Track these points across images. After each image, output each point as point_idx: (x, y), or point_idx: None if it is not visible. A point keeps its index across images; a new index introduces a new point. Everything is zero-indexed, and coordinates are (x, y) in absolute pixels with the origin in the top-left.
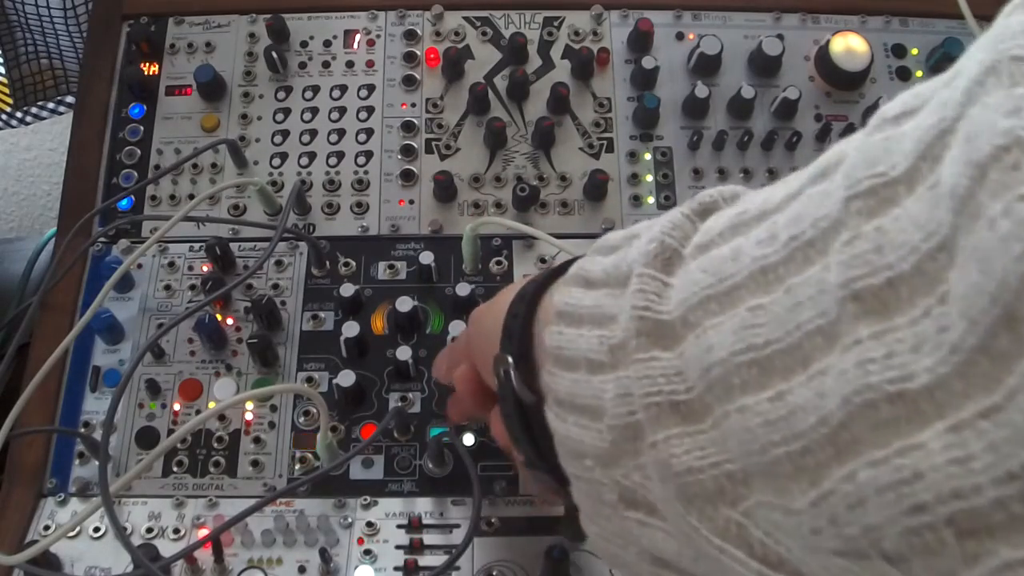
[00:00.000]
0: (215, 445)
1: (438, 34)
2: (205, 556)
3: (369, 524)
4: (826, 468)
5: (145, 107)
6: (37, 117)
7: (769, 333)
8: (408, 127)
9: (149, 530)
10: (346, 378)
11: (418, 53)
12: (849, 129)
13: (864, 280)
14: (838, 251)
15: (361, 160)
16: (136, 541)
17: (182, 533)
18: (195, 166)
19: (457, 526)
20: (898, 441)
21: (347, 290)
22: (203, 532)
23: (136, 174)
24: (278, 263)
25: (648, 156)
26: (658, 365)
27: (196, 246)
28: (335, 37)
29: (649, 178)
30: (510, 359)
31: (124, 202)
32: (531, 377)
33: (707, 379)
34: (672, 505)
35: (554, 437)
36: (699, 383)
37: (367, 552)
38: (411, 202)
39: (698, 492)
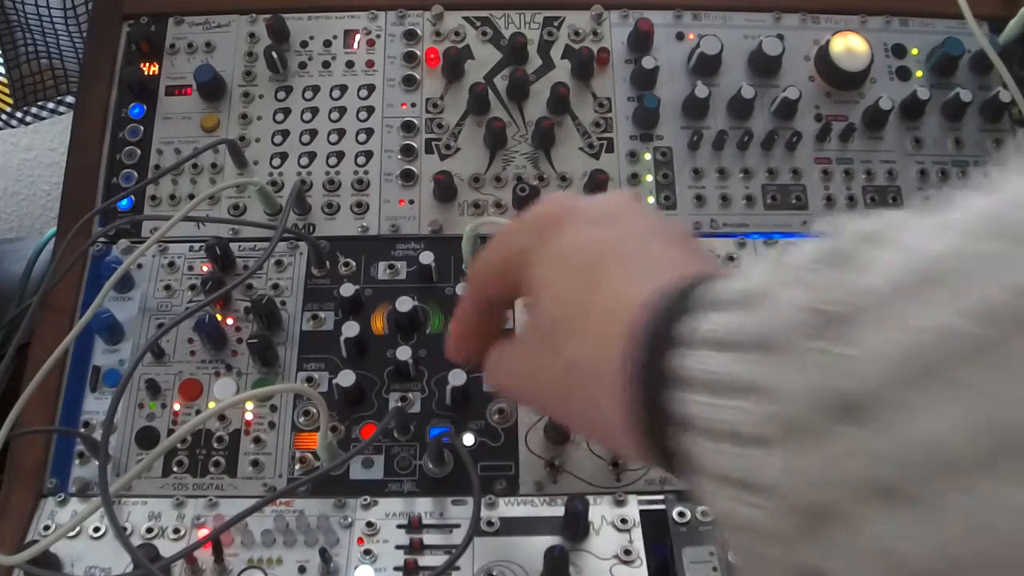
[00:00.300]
0: (215, 445)
1: (438, 34)
2: (205, 556)
3: (369, 524)
4: None
5: (145, 107)
6: (37, 117)
7: (1005, 418)
8: (408, 127)
9: (149, 530)
10: (346, 378)
11: (418, 53)
12: (849, 129)
13: None
14: None
15: (361, 160)
16: (136, 541)
17: (182, 533)
18: (195, 166)
19: (457, 526)
20: None
21: (347, 290)
22: (203, 532)
23: (136, 174)
24: (278, 263)
25: (648, 156)
26: (857, 445)
27: (196, 246)
28: (335, 37)
29: (649, 178)
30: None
31: (124, 202)
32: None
33: (928, 463)
34: None
35: (709, 508)
36: (916, 467)
37: (367, 552)
38: (411, 202)
39: None
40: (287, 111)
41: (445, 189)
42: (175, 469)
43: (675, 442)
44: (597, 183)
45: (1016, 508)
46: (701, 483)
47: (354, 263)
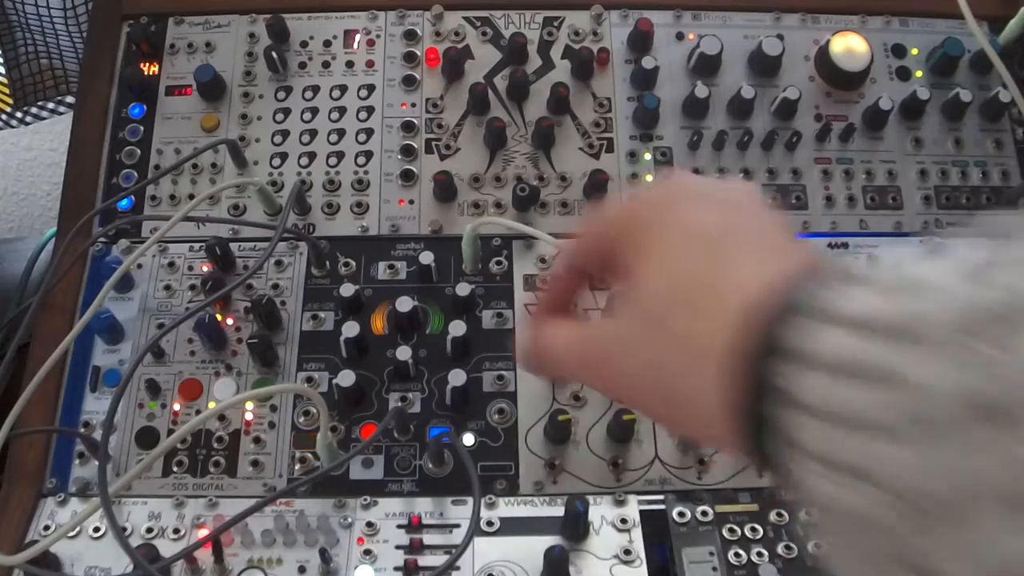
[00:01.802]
0: (215, 445)
1: (438, 34)
2: (205, 556)
3: (369, 524)
4: None
5: (145, 107)
6: (37, 117)
7: None
8: (408, 127)
9: (149, 530)
10: (346, 378)
11: (418, 53)
12: (849, 129)
13: None
14: None
15: (361, 160)
16: (136, 541)
17: (182, 533)
18: (195, 166)
19: (457, 526)
20: None
21: (347, 290)
22: (203, 532)
23: (136, 174)
24: (278, 263)
25: (648, 156)
26: (1004, 452)
27: (196, 246)
28: (335, 37)
29: (649, 178)
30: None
31: (124, 202)
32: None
33: None
34: None
35: (806, 492)
36: None
37: (367, 552)
38: (411, 202)
39: None
40: (287, 111)
41: (445, 189)
42: (175, 469)
43: (781, 422)
44: (597, 183)
45: None
46: (806, 465)
47: (354, 263)
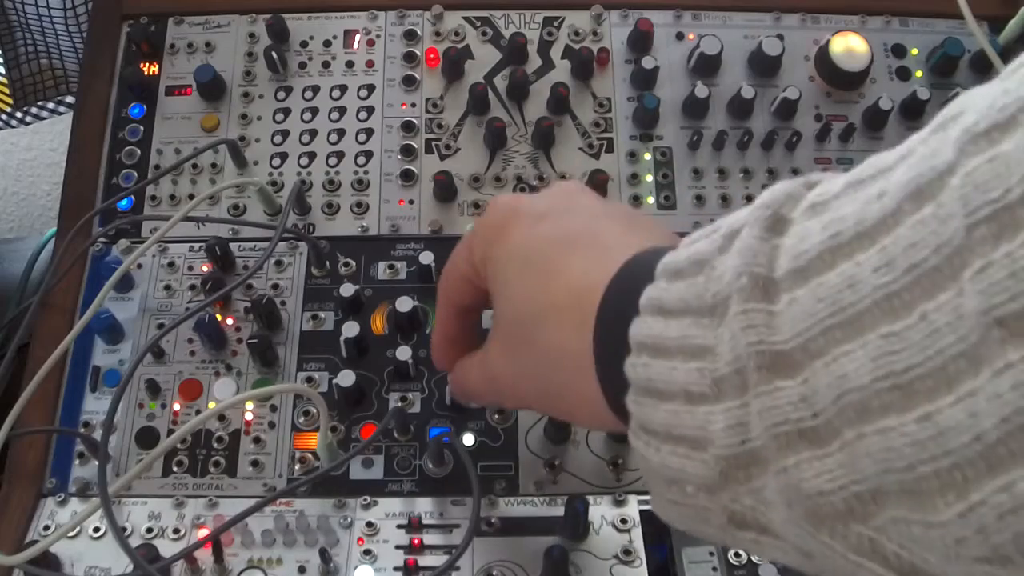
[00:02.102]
0: (215, 445)
1: (438, 34)
2: (205, 556)
3: (369, 524)
4: (976, 482)
5: (145, 107)
6: (37, 117)
7: (909, 359)
8: (408, 127)
9: (149, 530)
10: (346, 378)
11: (418, 53)
12: (849, 129)
13: (1005, 306)
14: (972, 279)
15: (361, 160)
16: (136, 541)
17: (182, 533)
18: (195, 166)
19: (457, 526)
20: None
21: (347, 290)
22: (203, 532)
23: (136, 174)
24: (278, 263)
25: (648, 156)
26: (783, 395)
27: (196, 246)
28: (335, 37)
29: (649, 178)
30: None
31: (124, 202)
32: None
33: (839, 404)
34: (796, 526)
35: (641, 463)
36: (829, 408)
37: (367, 552)
38: (411, 202)
39: (828, 513)
40: (287, 111)
41: (445, 189)
42: (175, 469)
43: (628, 405)
44: (597, 183)
45: (913, 441)
46: (644, 440)
47: (354, 263)
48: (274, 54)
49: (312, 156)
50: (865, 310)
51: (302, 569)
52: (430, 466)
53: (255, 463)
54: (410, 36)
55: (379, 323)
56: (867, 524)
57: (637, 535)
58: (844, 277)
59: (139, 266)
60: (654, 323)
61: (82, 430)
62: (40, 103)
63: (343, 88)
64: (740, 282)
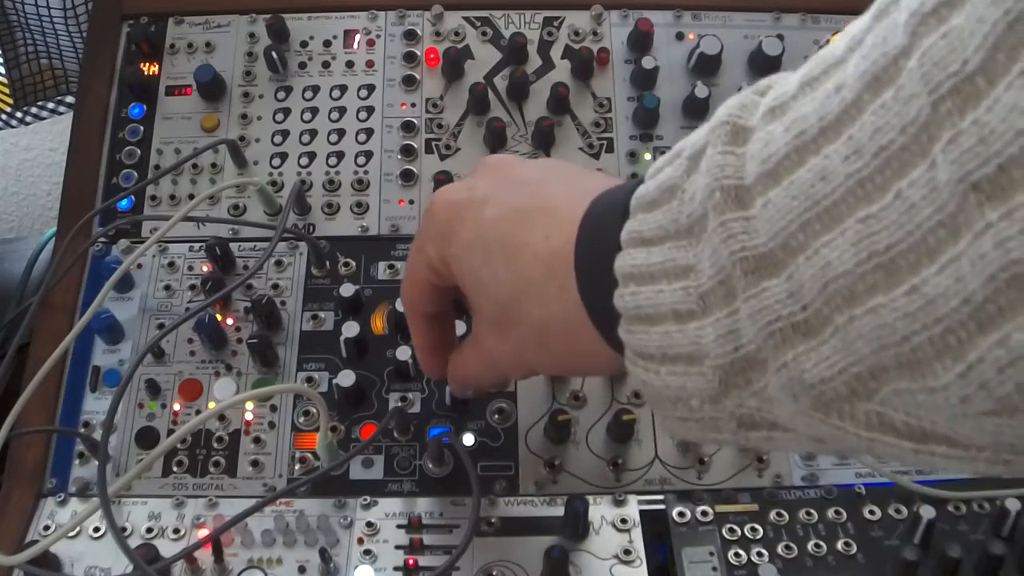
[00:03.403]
0: (215, 445)
1: (438, 34)
2: (205, 556)
3: (369, 524)
4: (971, 342)
5: (145, 107)
6: (37, 117)
7: (889, 237)
8: (408, 127)
9: (149, 530)
10: (346, 378)
11: (418, 53)
12: None
13: (979, 171)
14: (943, 151)
15: (361, 160)
16: (136, 541)
17: (182, 533)
18: (195, 166)
19: (457, 526)
20: None
21: (347, 290)
22: (203, 532)
23: (136, 174)
24: (278, 263)
25: (648, 156)
26: (770, 294)
27: (196, 246)
28: (335, 37)
29: None
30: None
31: (124, 202)
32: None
33: (826, 293)
34: (805, 416)
35: (644, 389)
36: (817, 298)
37: (367, 552)
38: (411, 202)
39: (833, 397)
40: (287, 111)
41: None
42: (175, 469)
43: (623, 337)
44: None
45: (904, 315)
46: (642, 366)
47: (354, 263)
48: (274, 54)
49: (312, 156)
50: (840, 199)
51: (302, 569)
52: (430, 466)
53: (255, 463)
54: (410, 36)
55: (379, 323)
56: (872, 400)
57: (637, 535)
58: (815, 171)
59: (139, 266)
60: (637, 254)
61: (82, 430)
62: (40, 103)
63: (343, 88)
64: (714, 198)
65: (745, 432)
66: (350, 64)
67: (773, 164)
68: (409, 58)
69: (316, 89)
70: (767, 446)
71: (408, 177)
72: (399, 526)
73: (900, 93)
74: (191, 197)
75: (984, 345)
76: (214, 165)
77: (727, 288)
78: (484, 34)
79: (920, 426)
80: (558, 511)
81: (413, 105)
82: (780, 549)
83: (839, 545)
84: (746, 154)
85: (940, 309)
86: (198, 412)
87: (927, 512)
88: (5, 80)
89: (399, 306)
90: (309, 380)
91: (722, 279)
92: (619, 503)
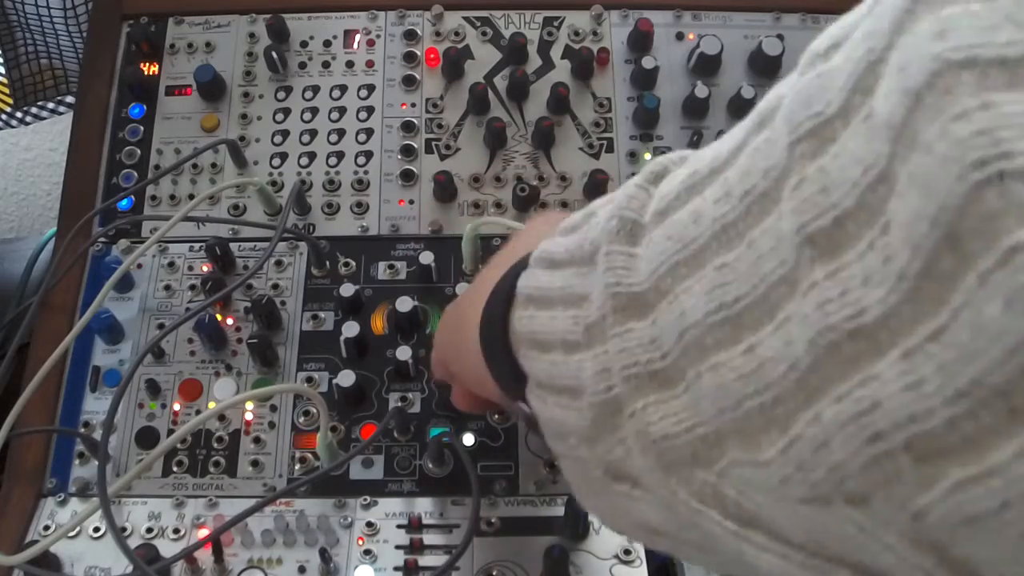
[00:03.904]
0: (215, 445)
1: (438, 34)
2: (205, 556)
3: (369, 524)
4: (795, 414)
5: (145, 107)
6: (37, 117)
7: (737, 289)
8: (408, 127)
9: (149, 530)
10: (346, 378)
11: (418, 53)
12: None
13: (815, 223)
14: (788, 198)
15: (361, 160)
16: (136, 541)
17: (182, 533)
18: (195, 166)
19: (457, 526)
20: (858, 375)
21: (347, 290)
22: (203, 532)
23: (136, 174)
24: (278, 263)
25: (648, 156)
26: (633, 336)
27: (196, 246)
28: (335, 37)
29: None
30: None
31: (124, 202)
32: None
33: (682, 343)
34: (653, 474)
35: (538, 419)
36: (675, 348)
37: (367, 552)
38: (411, 202)
39: (675, 458)
40: (287, 111)
41: (445, 189)
42: (175, 469)
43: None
44: (597, 183)
45: (739, 376)
46: (536, 394)
47: (354, 263)
48: (274, 54)
49: (312, 156)
50: (705, 244)
51: (302, 569)
52: (430, 466)
53: (255, 463)
54: (410, 36)
55: (379, 323)
56: (710, 469)
57: None
58: (691, 212)
59: (139, 266)
60: (542, 274)
61: (82, 430)
62: (40, 103)
63: (343, 88)
64: (609, 225)
65: (611, 482)
66: (350, 64)
67: (665, 204)
68: (409, 58)
69: (316, 89)
70: (627, 506)
71: (408, 177)
72: (399, 526)
73: (771, 134)
74: (191, 197)
75: (802, 420)
76: (214, 165)
77: (605, 323)
78: (484, 34)
79: (747, 507)
80: (558, 511)
81: (413, 105)
82: None
83: None
84: (655, 193)
85: (770, 374)
86: (198, 412)
87: None
88: (5, 80)
89: (399, 306)
90: (309, 380)
91: (603, 313)
92: None
